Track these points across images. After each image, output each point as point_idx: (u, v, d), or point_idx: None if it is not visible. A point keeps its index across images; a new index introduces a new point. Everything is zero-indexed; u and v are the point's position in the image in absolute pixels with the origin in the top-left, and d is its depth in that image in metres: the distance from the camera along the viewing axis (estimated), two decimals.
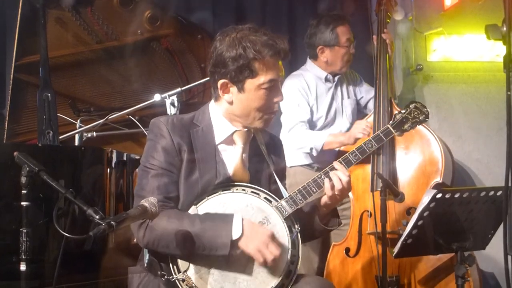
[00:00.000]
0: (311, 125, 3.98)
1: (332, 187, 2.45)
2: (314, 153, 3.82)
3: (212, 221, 2.32)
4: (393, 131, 2.57)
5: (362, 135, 3.42)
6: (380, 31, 4.02)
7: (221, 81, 2.45)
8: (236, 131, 2.52)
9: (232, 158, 2.52)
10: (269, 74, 2.41)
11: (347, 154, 2.51)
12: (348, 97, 4.19)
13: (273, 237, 2.33)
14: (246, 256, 2.33)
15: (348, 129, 4.05)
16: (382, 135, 2.53)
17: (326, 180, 2.46)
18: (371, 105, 4.16)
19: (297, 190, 2.47)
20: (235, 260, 2.34)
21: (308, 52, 4.18)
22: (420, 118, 2.63)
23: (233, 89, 2.44)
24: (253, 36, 2.40)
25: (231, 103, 2.47)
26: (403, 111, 2.62)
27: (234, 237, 2.28)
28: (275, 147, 2.72)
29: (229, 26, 2.50)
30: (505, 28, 1.71)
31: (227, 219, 2.32)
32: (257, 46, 2.37)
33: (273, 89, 2.44)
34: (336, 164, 2.50)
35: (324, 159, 3.87)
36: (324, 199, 2.51)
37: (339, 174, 2.46)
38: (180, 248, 2.30)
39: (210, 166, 2.47)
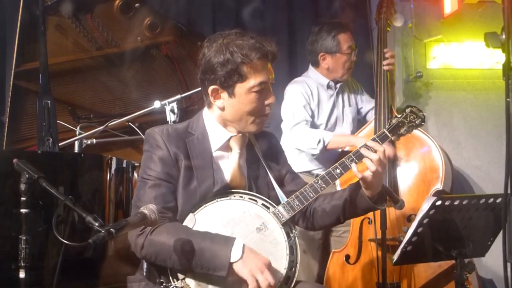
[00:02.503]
0: (313, 128, 3.98)
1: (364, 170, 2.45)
2: (320, 147, 3.79)
3: (212, 241, 2.29)
4: (389, 135, 2.55)
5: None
6: (380, 39, 4.02)
7: (211, 88, 2.45)
8: (232, 136, 2.52)
9: (229, 164, 2.52)
10: (259, 77, 2.40)
11: (343, 159, 2.50)
12: (350, 105, 4.20)
13: (269, 266, 2.31)
14: None
15: None
16: (378, 140, 2.53)
17: (353, 165, 2.47)
18: (369, 116, 4.17)
19: (294, 196, 2.47)
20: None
21: (310, 59, 4.18)
22: (416, 122, 2.61)
23: (224, 94, 2.44)
24: (239, 41, 2.40)
25: (222, 108, 2.47)
26: (398, 116, 2.61)
27: (233, 259, 2.26)
28: (272, 150, 2.71)
29: (216, 33, 2.51)
30: (504, 36, 1.71)
31: (228, 241, 2.30)
32: (244, 50, 2.37)
33: (264, 91, 2.44)
34: (362, 148, 2.48)
35: (326, 166, 3.87)
36: (363, 183, 2.50)
37: (370, 156, 2.45)
38: (177, 265, 2.30)
39: (208, 174, 2.47)
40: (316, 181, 2.49)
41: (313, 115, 4.01)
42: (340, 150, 3.88)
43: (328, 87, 4.12)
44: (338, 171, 2.50)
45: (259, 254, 2.33)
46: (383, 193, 2.58)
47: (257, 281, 2.25)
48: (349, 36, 4.07)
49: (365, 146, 2.49)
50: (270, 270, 2.30)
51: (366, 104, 4.26)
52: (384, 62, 3.91)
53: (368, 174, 2.45)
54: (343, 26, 4.09)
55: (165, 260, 2.31)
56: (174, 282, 2.33)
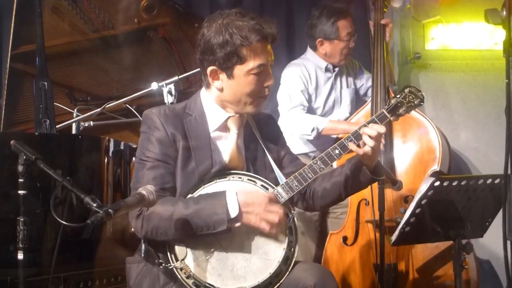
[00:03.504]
0: (310, 112, 3.97)
1: (363, 145, 2.46)
2: (314, 135, 3.81)
3: (206, 200, 2.32)
4: (388, 115, 2.54)
5: None
6: (377, 19, 4.00)
7: (210, 68, 2.44)
8: (229, 117, 2.51)
9: (227, 144, 2.52)
10: (258, 59, 2.39)
11: (342, 139, 2.50)
12: (347, 87, 4.19)
13: (270, 199, 2.35)
14: (244, 244, 2.34)
15: (347, 119, 4.05)
16: (377, 120, 2.52)
17: (351, 144, 2.47)
18: (370, 93, 4.15)
19: (293, 177, 2.46)
20: (233, 247, 2.34)
21: (308, 42, 4.17)
22: (415, 102, 2.59)
23: (223, 76, 2.44)
24: (239, 22, 2.38)
25: (221, 90, 2.47)
26: (398, 96, 2.60)
27: (232, 215, 2.28)
28: (271, 132, 2.71)
29: (216, 12, 2.49)
30: (505, 13, 1.69)
31: (220, 196, 2.32)
32: (244, 32, 2.36)
33: (263, 73, 2.43)
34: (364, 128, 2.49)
35: (321, 148, 3.88)
36: (362, 159, 2.51)
37: (369, 132, 2.45)
38: (179, 232, 2.30)
39: (206, 155, 2.46)
40: (315, 162, 2.48)
41: (310, 99, 4.00)
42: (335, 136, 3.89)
43: (327, 70, 4.11)
44: (337, 151, 2.49)
45: (254, 193, 2.37)
46: (380, 164, 2.59)
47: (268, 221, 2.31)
48: (349, 22, 4.04)
49: (364, 126, 2.49)
50: (272, 202, 2.35)
51: (366, 81, 4.24)
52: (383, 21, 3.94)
53: (367, 149, 2.46)
54: (343, 12, 4.05)
55: (166, 231, 2.31)
56: (173, 262, 2.34)
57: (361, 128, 2.48)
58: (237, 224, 2.31)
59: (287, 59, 4.35)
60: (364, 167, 2.54)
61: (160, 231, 2.32)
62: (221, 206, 2.29)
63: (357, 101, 4.24)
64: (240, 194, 2.33)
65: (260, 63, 2.40)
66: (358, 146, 2.48)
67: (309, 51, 4.17)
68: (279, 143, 2.72)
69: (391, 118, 2.55)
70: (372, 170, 2.55)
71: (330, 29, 4.00)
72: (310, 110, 3.99)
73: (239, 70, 2.41)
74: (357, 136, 2.49)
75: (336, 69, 4.13)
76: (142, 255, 2.46)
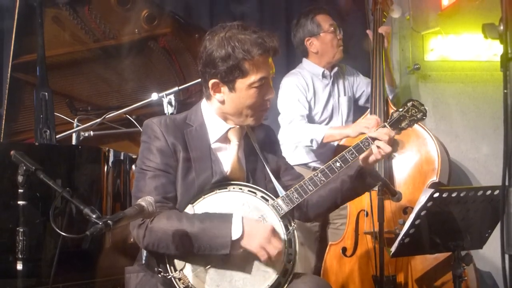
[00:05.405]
0: (310, 121, 3.97)
1: (377, 153, 2.47)
2: (315, 145, 3.78)
3: (211, 221, 2.31)
4: (390, 129, 2.55)
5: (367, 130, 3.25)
6: (376, 30, 4.01)
7: (211, 81, 2.44)
8: (230, 128, 2.52)
9: (227, 156, 2.52)
10: (260, 73, 2.40)
11: (343, 152, 2.50)
12: (344, 95, 4.17)
13: (274, 232, 2.34)
14: (243, 255, 2.33)
15: None
16: None
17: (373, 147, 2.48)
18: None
19: (293, 189, 2.46)
20: (232, 259, 2.33)
21: (300, 51, 4.18)
22: (418, 116, 2.59)
23: (224, 88, 2.44)
24: (241, 35, 2.38)
25: (222, 102, 2.47)
26: (400, 109, 2.59)
27: (234, 237, 2.28)
28: (269, 142, 2.71)
29: (218, 25, 2.49)
30: (502, 27, 1.70)
31: (226, 218, 2.32)
32: (246, 46, 2.36)
33: (264, 86, 2.44)
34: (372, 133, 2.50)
35: (321, 158, 3.88)
36: (371, 159, 2.51)
37: (379, 144, 2.47)
38: (180, 249, 2.30)
39: (206, 166, 2.46)
40: (316, 174, 2.48)
41: (310, 106, 4.00)
42: (336, 143, 3.88)
43: (323, 76, 4.10)
44: (338, 164, 2.49)
45: (259, 222, 2.37)
46: (375, 170, 2.61)
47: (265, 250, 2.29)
48: (327, 16, 4.07)
49: (367, 139, 2.50)
50: (275, 235, 2.34)
51: (367, 87, 4.19)
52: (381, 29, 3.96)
53: (372, 159, 2.49)
54: (319, 8, 4.11)
55: (168, 246, 2.31)
56: (172, 272, 2.34)
57: (363, 141, 2.49)
58: (239, 250, 2.31)
59: (287, 67, 4.35)
60: (366, 172, 2.55)
61: (162, 245, 2.32)
62: (226, 230, 2.29)
63: (359, 110, 4.23)
64: (246, 220, 2.32)
65: (262, 77, 2.41)
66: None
67: (304, 60, 4.17)
68: (277, 153, 2.73)
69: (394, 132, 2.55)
70: (369, 172, 2.57)
71: (312, 25, 4.04)
72: (310, 118, 3.99)
73: (241, 83, 2.41)
74: (359, 149, 2.49)
75: (333, 74, 4.12)
76: (143, 262, 2.47)
